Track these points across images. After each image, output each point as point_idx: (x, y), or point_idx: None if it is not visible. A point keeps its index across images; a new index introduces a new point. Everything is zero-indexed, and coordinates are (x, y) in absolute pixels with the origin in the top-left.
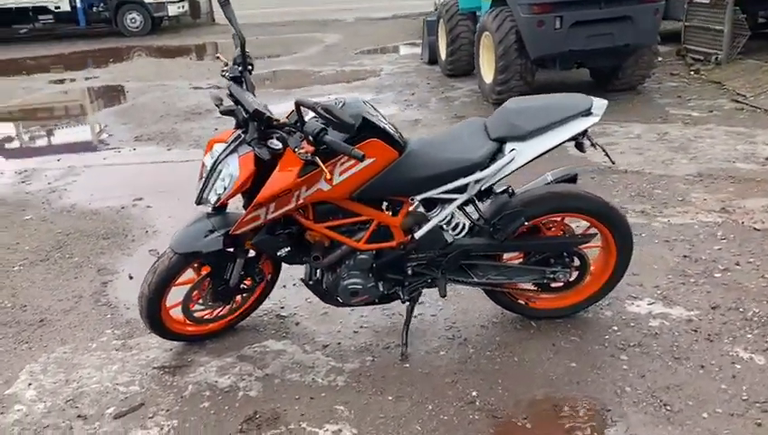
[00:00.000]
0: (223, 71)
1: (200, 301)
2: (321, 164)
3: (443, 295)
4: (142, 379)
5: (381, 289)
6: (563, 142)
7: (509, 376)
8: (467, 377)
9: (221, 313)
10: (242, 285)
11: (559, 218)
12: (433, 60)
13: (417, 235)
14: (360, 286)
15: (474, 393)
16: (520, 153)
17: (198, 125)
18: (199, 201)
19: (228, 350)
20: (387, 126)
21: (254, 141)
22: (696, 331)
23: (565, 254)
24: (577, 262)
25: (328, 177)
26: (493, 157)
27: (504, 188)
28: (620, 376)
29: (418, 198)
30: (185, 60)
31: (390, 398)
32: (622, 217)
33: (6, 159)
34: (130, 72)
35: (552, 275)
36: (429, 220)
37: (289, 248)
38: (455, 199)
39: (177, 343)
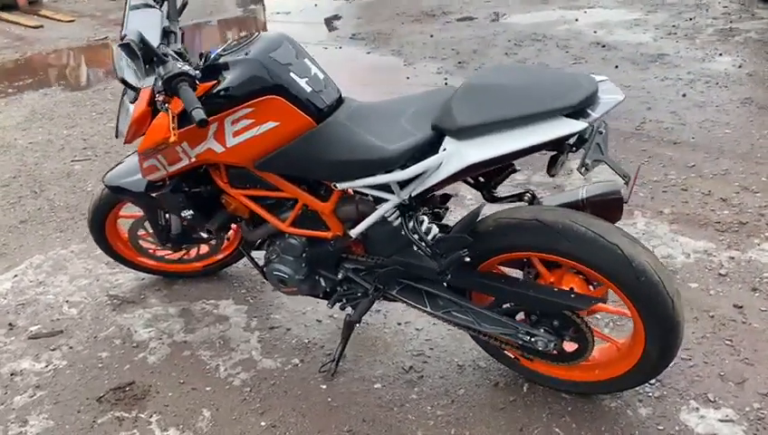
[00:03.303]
0: None
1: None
2: (170, 118)
3: (356, 321)
4: (89, 304)
5: (324, 284)
6: (529, 152)
7: None
8: (371, 434)
9: (185, 256)
10: (199, 234)
11: None
12: None
13: (353, 232)
14: (287, 275)
15: None
16: (450, 156)
17: (420, 29)
18: (116, 133)
19: (183, 298)
20: (303, 82)
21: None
22: None
23: (553, 315)
24: (572, 331)
25: (172, 138)
26: (425, 151)
27: (519, 192)
28: None
29: (340, 186)
30: None
31: (264, 423)
32: (653, 284)
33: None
34: None
35: (527, 338)
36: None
37: (191, 212)
38: (387, 200)
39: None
